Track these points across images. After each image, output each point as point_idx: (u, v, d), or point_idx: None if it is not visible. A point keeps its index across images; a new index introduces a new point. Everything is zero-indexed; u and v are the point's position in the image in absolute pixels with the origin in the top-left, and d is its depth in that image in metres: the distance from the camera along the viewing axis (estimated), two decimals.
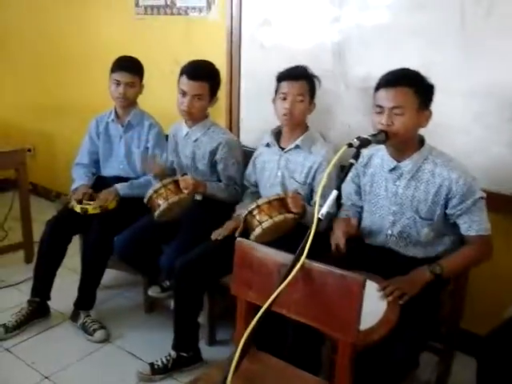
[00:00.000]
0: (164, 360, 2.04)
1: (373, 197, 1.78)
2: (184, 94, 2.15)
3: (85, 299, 2.35)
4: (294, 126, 2.03)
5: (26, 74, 3.83)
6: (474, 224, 1.62)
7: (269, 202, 1.86)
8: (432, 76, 1.63)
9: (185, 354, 2.05)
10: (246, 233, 1.90)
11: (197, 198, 2.16)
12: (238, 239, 1.43)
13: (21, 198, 2.88)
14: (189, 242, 2.12)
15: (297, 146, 2.03)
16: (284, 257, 1.31)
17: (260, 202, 1.86)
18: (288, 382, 1.41)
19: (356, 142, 1.43)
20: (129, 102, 2.44)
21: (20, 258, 2.92)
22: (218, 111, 2.52)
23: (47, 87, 3.70)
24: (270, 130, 2.14)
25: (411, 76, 1.60)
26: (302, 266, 1.21)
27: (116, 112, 2.51)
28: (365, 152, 1.53)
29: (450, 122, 1.97)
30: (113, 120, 2.52)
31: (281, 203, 1.87)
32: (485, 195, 1.63)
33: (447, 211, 1.65)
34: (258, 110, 2.56)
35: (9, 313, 2.34)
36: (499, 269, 1.95)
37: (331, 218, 1.85)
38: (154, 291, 2.34)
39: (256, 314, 1.16)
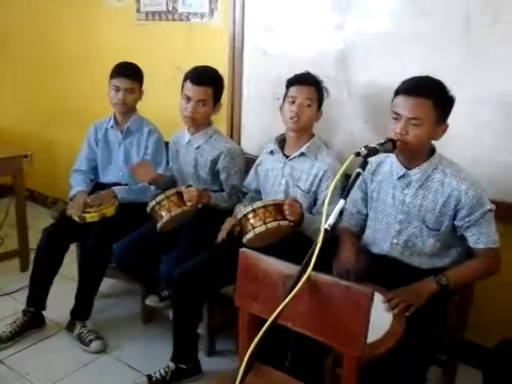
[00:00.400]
0: (162, 372, 2.00)
1: (379, 204, 1.75)
2: (188, 99, 2.13)
3: (81, 308, 2.30)
4: (300, 132, 2.01)
5: (25, 78, 3.81)
6: (483, 236, 1.59)
7: (264, 207, 1.83)
8: None
9: (184, 366, 2.01)
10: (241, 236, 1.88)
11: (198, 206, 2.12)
12: (242, 250, 1.39)
13: (17, 205, 2.84)
14: (188, 251, 2.09)
15: (302, 154, 2.01)
16: (289, 268, 1.28)
17: (255, 205, 1.84)
18: None
19: (364, 151, 1.40)
20: (128, 109, 2.42)
21: (15, 266, 2.87)
22: (220, 117, 2.50)
23: (46, 93, 3.67)
24: (275, 138, 2.12)
25: (433, 87, 1.56)
26: (308, 277, 1.18)
27: (115, 118, 2.49)
28: (373, 159, 1.50)
29: (454, 131, 1.95)
30: (112, 126, 2.49)
31: (277, 209, 1.84)
32: (494, 207, 1.61)
33: (455, 223, 1.62)
34: (260, 117, 2.55)
35: (3, 322, 2.30)
36: (505, 279, 1.91)
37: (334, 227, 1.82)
38: (152, 301, 2.30)
39: (260, 326, 1.13)
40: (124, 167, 2.48)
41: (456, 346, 1.82)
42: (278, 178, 2.07)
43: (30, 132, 3.81)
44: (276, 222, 1.82)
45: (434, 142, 1.66)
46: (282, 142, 2.09)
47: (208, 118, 2.23)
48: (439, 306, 1.62)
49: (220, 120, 2.56)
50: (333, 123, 2.29)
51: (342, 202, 1.30)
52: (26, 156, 3.57)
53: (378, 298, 1.55)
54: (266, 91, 2.49)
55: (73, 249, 2.48)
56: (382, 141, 1.53)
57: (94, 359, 2.16)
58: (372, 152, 1.43)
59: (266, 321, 1.14)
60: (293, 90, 1.96)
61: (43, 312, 2.34)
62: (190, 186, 2.17)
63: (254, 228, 1.82)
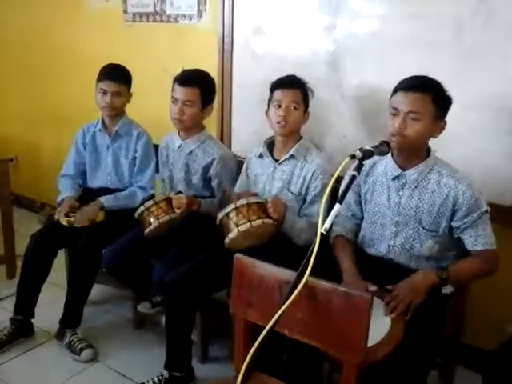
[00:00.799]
0: (156, 380, 1.96)
1: (373, 206, 1.74)
2: (175, 101, 2.12)
3: (71, 316, 2.26)
4: (288, 135, 1.99)
5: (9, 81, 3.73)
6: (480, 238, 1.59)
7: (248, 205, 1.81)
8: None
9: (178, 374, 1.97)
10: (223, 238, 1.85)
11: None
12: (237, 255, 1.36)
13: (3, 210, 2.78)
14: (180, 256, 2.07)
15: (291, 156, 1.99)
16: (285, 273, 1.26)
17: (239, 203, 1.81)
18: None
19: (359, 154, 1.39)
20: (116, 112, 2.38)
21: (2, 273, 2.80)
22: (210, 121, 2.47)
23: (32, 95, 3.60)
24: (263, 141, 2.09)
25: (432, 83, 1.57)
26: (306, 283, 1.16)
27: (103, 121, 2.44)
28: (367, 160, 1.48)
29: (445, 133, 1.95)
30: (100, 130, 2.45)
31: (260, 207, 1.82)
32: (489, 209, 1.61)
33: (453, 224, 1.62)
34: (251, 120, 2.52)
35: None
36: (501, 282, 1.91)
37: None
38: (143, 307, 2.28)
39: (255, 332, 1.11)
40: (112, 171, 2.45)
41: (454, 349, 1.81)
42: (269, 182, 2.04)
43: (16, 135, 3.74)
44: (260, 220, 1.79)
45: None
46: (270, 145, 2.07)
47: (197, 121, 2.20)
48: (438, 310, 1.61)
49: (210, 123, 2.52)
50: (325, 125, 2.27)
51: (337, 205, 1.28)
52: (11, 160, 3.52)
53: (376, 301, 1.53)
54: (256, 94, 2.45)
55: (61, 255, 2.43)
56: (377, 143, 1.51)
57: (85, 368, 2.12)
58: (367, 155, 1.41)
59: (261, 327, 1.12)
60: (277, 94, 1.94)
61: (32, 320, 2.29)
62: (180, 192, 2.15)
63: (237, 226, 1.78)
